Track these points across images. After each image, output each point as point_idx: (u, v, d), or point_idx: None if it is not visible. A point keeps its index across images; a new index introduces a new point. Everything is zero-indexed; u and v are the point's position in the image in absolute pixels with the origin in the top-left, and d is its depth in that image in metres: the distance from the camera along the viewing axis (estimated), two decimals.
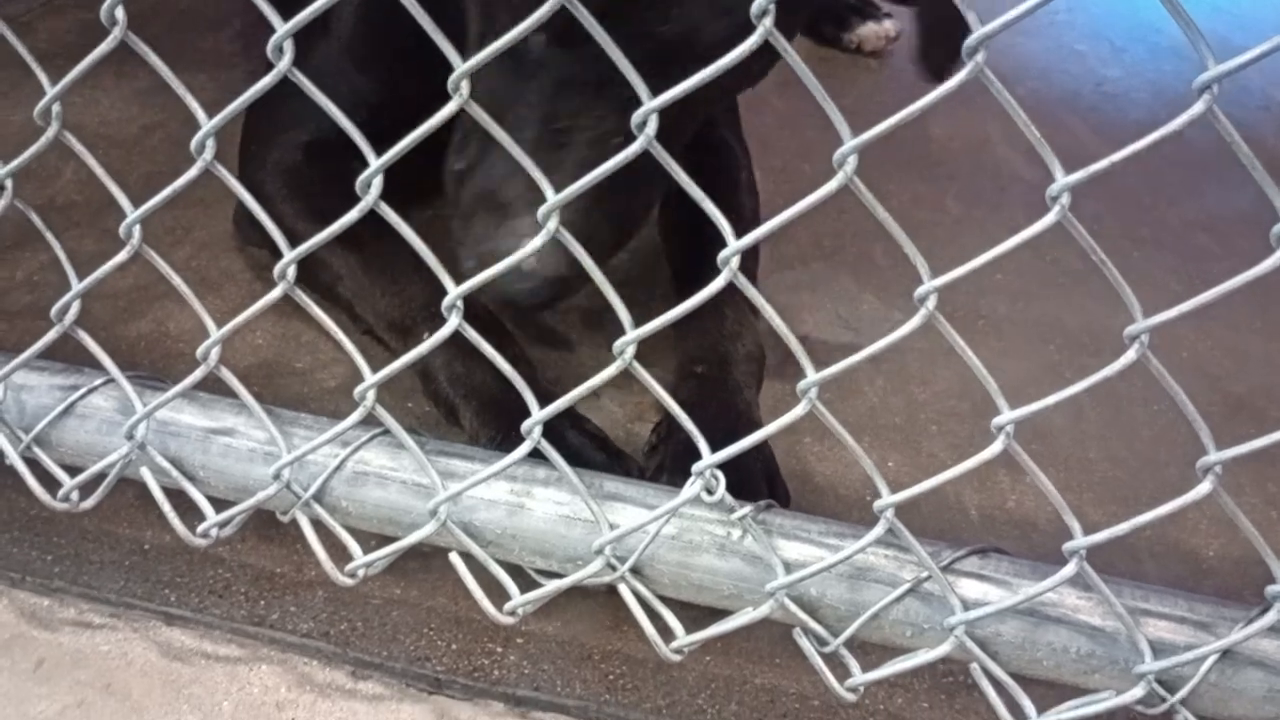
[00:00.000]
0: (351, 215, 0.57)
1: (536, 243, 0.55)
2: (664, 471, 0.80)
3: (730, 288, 0.54)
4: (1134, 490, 0.90)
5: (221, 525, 0.67)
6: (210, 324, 0.63)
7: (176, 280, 0.64)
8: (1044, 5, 0.47)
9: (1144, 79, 1.63)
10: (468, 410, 0.84)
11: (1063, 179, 0.50)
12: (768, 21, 0.49)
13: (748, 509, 0.62)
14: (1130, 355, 0.53)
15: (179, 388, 0.65)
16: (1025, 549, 0.84)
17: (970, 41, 0.48)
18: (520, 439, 0.60)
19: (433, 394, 0.87)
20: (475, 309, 0.68)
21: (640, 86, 0.51)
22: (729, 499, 0.62)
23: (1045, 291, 1.14)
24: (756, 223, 1.08)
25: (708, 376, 0.91)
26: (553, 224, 0.54)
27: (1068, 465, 0.92)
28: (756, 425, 0.74)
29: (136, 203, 0.61)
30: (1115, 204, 1.28)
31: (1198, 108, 0.48)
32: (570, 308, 0.99)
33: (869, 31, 1.65)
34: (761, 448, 0.81)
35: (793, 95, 1.57)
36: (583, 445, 0.81)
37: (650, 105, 0.51)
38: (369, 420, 0.64)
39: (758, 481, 0.80)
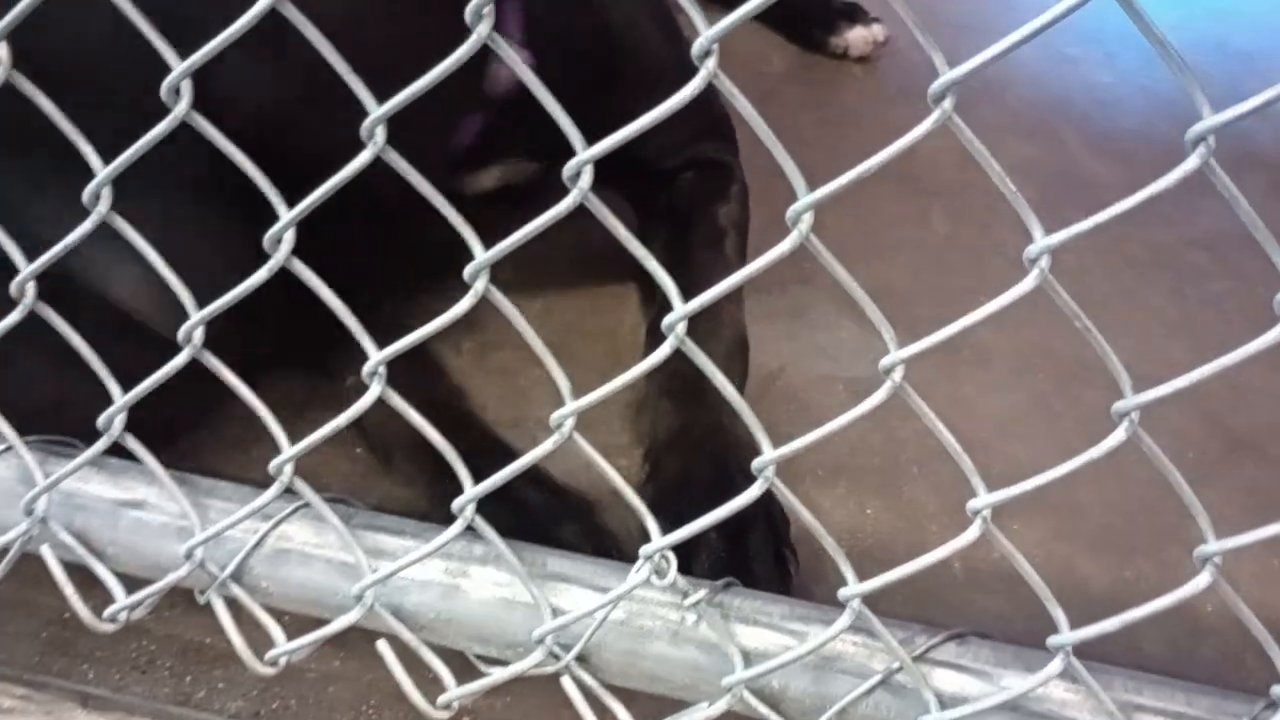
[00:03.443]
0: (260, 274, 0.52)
1: None
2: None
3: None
4: (1129, 538, 0.85)
5: (132, 608, 0.62)
6: (114, 388, 0.58)
7: (76, 339, 0.58)
8: (1011, 51, 0.41)
9: (1137, 85, 1.56)
10: (400, 454, 0.79)
11: (1042, 240, 0.45)
12: (710, 63, 0.44)
13: (701, 593, 0.57)
14: (1119, 435, 0.47)
15: (81, 459, 0.60)
16: (1012, 607, 0.78)
17: (935, 88, 0.43)
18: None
19: (367, 444, 0.82)
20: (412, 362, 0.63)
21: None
22: (681, 581, 0.56)
23: (1033, 316, 1.07)
24: (739, 258, 1.02)
25: (684, 396, 0.85)
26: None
27: (1058, 511, 0.87)
28: (741, 459, 0.68)
29: None
30: (1109, 223, 1.23)
31: (1192, 162, 0.42)
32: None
33: (857, 36, 1.58)
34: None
35: (773, 109, 1.53)
36: (540, 504, 0.76)
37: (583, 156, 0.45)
38: (294, 490, 0.58)
39: (759, 545, 0.74)
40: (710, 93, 0.43)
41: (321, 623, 0.61)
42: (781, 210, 0.46)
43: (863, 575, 0.53)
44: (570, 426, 0.52)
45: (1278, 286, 0.45)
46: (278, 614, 0.62)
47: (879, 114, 1.43)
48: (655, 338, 0.94)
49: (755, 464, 0.51)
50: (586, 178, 0.47)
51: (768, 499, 0.76)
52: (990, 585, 0.81)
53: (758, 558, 0.74)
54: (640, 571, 0.55)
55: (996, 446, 0.93)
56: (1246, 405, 0.98)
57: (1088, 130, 1.46)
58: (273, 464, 0.57)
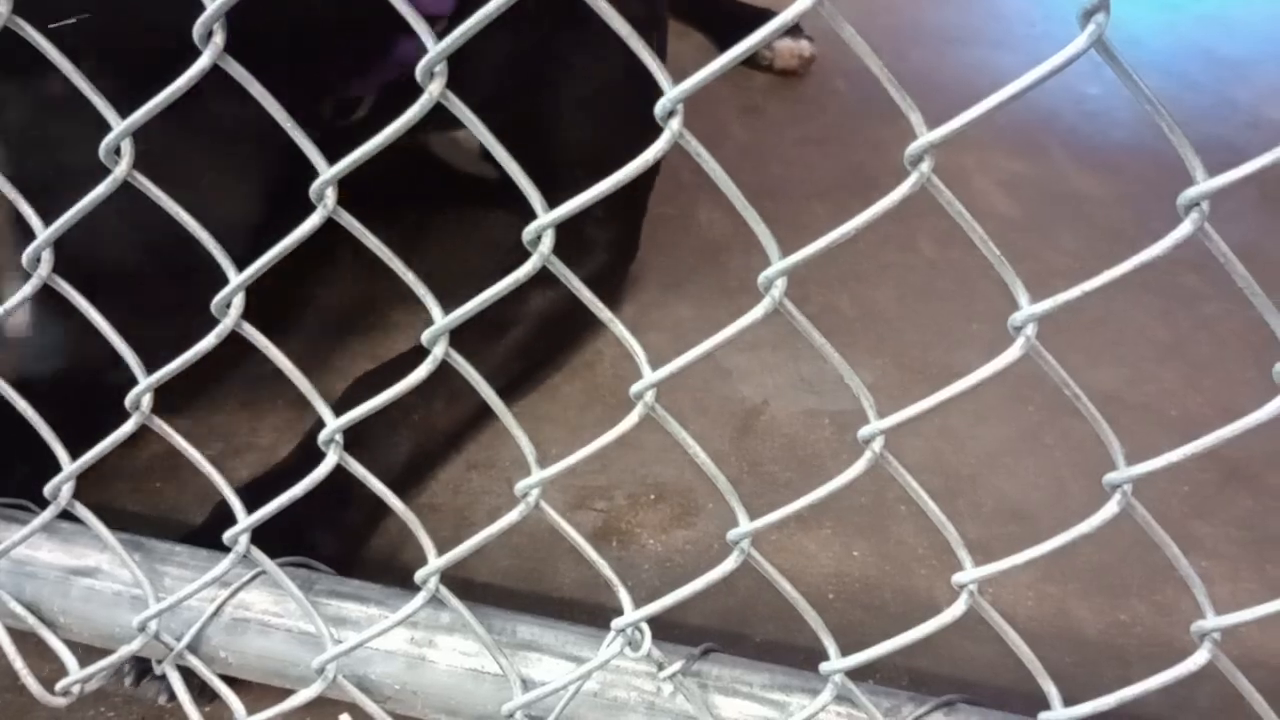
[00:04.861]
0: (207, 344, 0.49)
1: None
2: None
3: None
4: (1123, 578, 0.82)
5: (85, 680, 0.59)
6: (64, 456, 0.55)
7: (23, 404, 0.56)
8: (985, 112, 0.39)
9: (1125, 96, 1.53)
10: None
11: (1028, 309, 0.43)
12: (675, 124, 0.41)
13: (678, 665, 0.54)
14: (1112, 508, 0.45)
15: (28, 530, 0.57)
16: (1004, 653, 0.75)
17: (912, 150, 0.40)
18: None
19: None
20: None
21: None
22: (656, 653, 0.54)
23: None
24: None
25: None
26: None
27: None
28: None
29: None
30: (1098, 241, 1.20)
31: (1185, 229, 0.40)
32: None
33: (785, 48, 1.55)
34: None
35: (755, 125, 1.51)
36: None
37: None
38: (251, 557, 0.56)
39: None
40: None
41: (285, 692, 0.58)
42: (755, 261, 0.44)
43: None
44: (536, 496, 0.50)
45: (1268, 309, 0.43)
46: (237, 683, 0.59)
47: (861, 131, 1.40)
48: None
49: (731, 535, 0.49)
50: (547, 242, 0.45)
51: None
52: (980, 632, 0.77)
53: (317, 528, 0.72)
54: (613, 644, 0.52)
55: (985, 480, 0.91)
56: (1242, 435, 0.96)
57: (1075, 143, 1.44)
58: (227, 534, 0.54)
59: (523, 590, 0.80)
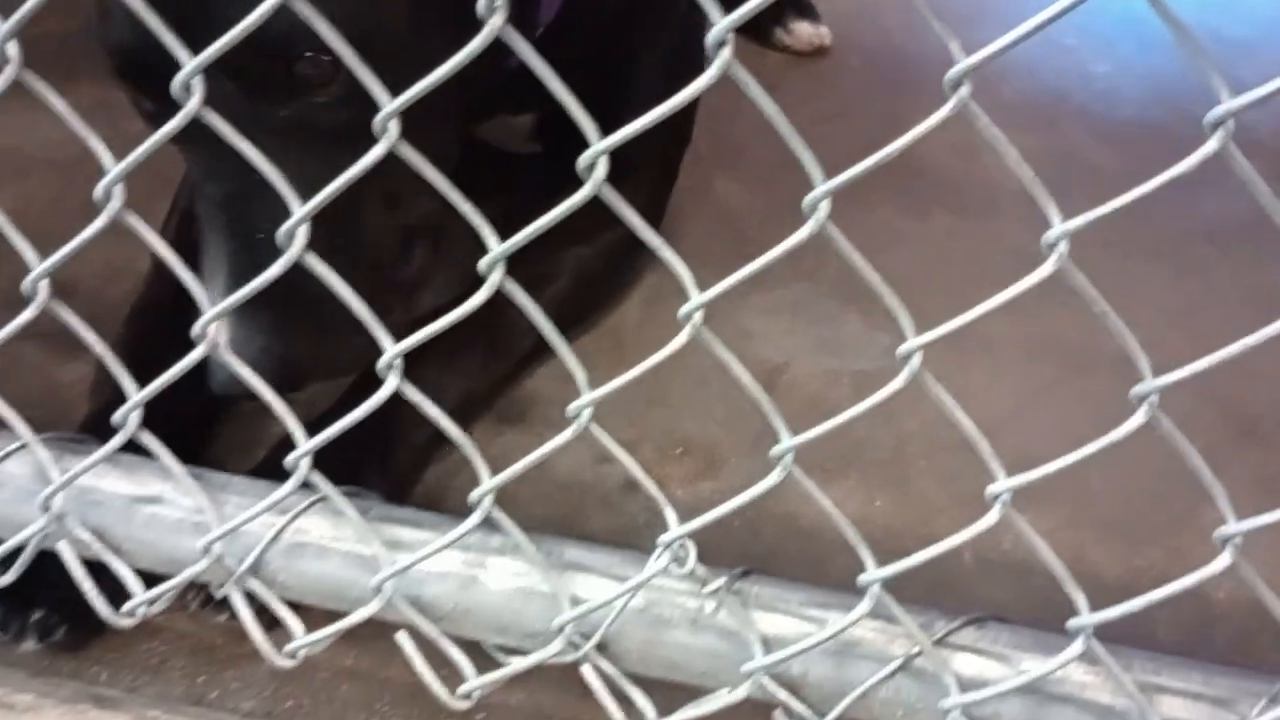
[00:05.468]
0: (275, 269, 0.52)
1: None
2: None
3: None
4: (1140, 526, 0.85)
5: (150, 603, 0.62)
6: (130, 386, 0.58)
7: (91, 338, 0.58)
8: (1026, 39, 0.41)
9: (1134, 74, 1.57)
10: None
11: (1060, 226, 0.45)
12: (726, 53, 0.44)
13: (721, 581, 0.57)
14: (1139, 418, 0.48)
15: (97, 456, 0.60)
16: (1024, 596, 0.78)
17: (952, 75, 0.43)
18: None
19: None
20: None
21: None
22: (700, 569, 0.56)
23: (1037, 307, 1.07)
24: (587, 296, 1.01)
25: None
26: None
27: (1067, 499, 0.87)
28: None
29: (67, 235, 0.55)
30: (1110, 213, 1.23)
31: (1211, 145, 0.42)
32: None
33: (803, 31, 1.56)
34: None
35: (772, 100, 1.53)
36: None
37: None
38: (311, 483, 0.58)
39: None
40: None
41: (337, 617, 0.61)
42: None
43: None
44: (588, 416, 0.52)
45: (1278, 276, 0.45)
46: (294, 609, 0.62)
47: (876, 107, 1.42)
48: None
49: (774, 451, 0.52)
50: (601, 169, 0.47)
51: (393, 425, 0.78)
52: (1000, 576, 0.81)
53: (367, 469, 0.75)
54: (659, 559, 0.55)
55: (1004, 436, 0.91)
56: (1256, 391, 0.98)
57: (1087, 120, 1.46)
58: (288, 458, 0.57)
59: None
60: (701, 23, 0.44)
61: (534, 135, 0.99)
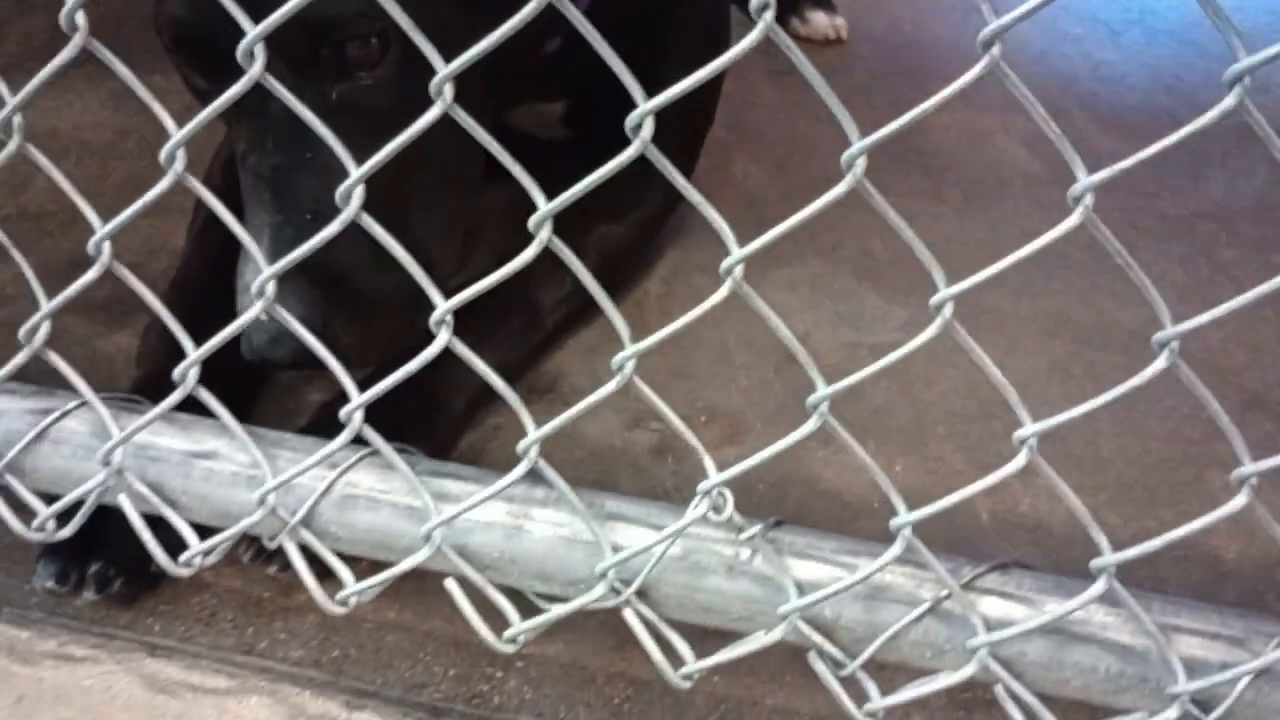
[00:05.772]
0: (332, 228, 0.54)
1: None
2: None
3: None
4: (1150, 491, 0.88)
5: (205, 554, 0.64)
6: (188, 344, 0.60)
7: (149, 296, 0.61)
8: None
9: (1141, 63, 1.60)
10: None
11: (1085, 179, 0.47)
12: (768, 16, 0.47)
13: (757, 528, 0.59)
14: (1160, 363, 0.50)
15: (156, 411, 0.62)
16: (1040, 555, 0.81)
17: (985, 34, 0.45)
18: None
19: None
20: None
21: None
22: (737, 518, 0.59)
23: (1050, 285, 1.12)
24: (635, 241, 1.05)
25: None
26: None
27: (1081, 465, 0.89)
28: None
29: (108, 214, 0.58)
30: (1117, 193, 1.26)
31: (1229, 101, 0.45)
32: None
33: (820, 20, 1.59)
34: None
35: (786, 85, 1.56)
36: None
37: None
38: (359, 439, 0.61)
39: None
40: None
41: (384, 568, 0.63)
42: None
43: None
44: (631, 368, 0.55)
45: None
46: (345, 558, 0.64)
47: (887, 92, 1.45)
48: None
49: (810, 400, 0.54)
50: (648, 129, 0.49)
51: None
52: (1017, 535, 0.83)
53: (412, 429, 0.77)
54: (698, 507, 0.57)
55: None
56: (1261, 363, 1.01)
57: (1094, 107, 1.49)
58: (343, 411, 0.59)
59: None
60: (729, 7, 0.47)
61: (564, 122, 1.02)
